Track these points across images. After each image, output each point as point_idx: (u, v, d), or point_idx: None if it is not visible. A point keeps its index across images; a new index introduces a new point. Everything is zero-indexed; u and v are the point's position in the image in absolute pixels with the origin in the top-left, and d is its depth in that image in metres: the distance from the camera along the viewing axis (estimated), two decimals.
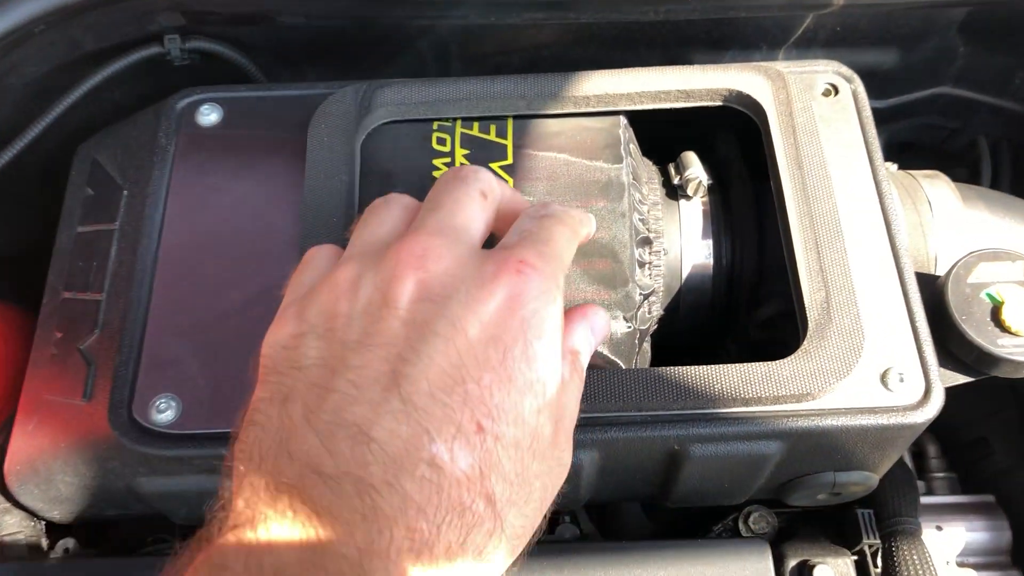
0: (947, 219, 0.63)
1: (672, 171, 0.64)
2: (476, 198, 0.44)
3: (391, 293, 0.38)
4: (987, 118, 0.83)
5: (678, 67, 0.63)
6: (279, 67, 0.76)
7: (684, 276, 0.63)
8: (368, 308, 0.39)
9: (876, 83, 0.77)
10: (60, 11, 0.62)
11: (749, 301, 0.63)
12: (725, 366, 0.52)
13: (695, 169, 0.63)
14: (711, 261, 0.63)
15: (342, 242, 0.53)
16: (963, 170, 0.94)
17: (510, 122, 0.62)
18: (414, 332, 0.37)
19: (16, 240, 0.76)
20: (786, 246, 0.56)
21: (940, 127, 0.85)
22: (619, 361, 0.56)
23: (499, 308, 0.38)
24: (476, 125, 0.62)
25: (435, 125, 0.62)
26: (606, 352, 0.56)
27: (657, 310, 0.62)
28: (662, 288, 0.62)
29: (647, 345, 0.61)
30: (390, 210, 0.46)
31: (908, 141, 0.88)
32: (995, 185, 0.88)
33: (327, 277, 0.41)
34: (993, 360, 0.54)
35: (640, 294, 0.58)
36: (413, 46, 0.72)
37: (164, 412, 0.53)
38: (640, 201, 0.61)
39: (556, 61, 0.74)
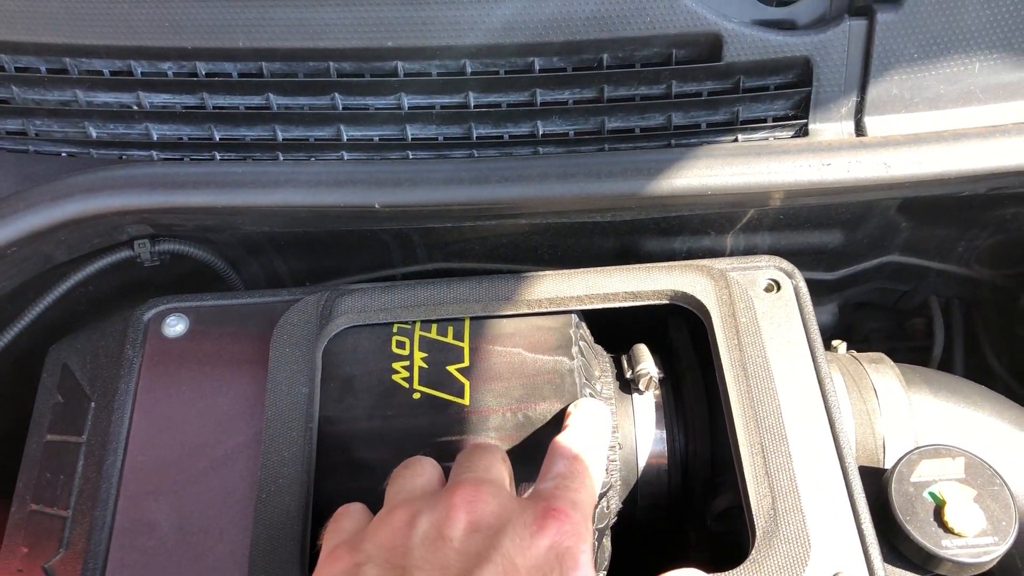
0: (892, 406, 0.65)
1: (625, 364, 0.66)
2: (501, 461, 0.53)
3: (446, 528, 0.45)
4: (936, 281, 0.86)
5: (624, 268, 0.65)
6: (248, 258, 0.78)
7: (640, 469, 0.64)
8: (424, 541, 0.45)
9: (825, 259, 0.80)
10: (32, 236, 0.64)
11: (704, 492, 0.65)
12: None
13: (646, 364, 0.65)
14: (666, 454, 0.65)
15: (299, 459, 0.57)
16: (922, 320, 0.98)
17: (467, 324, 0.65)
18: (467, 561, 0.44)
19: None
20: (734, 451, 0.58)
21: (892, 289, 0.88)
22: None
23: (541, 544, 0.45)
24: (434, 327, 0.65)
25: (395, 328, 0.65)
26: None
27: (616, 504, 0.63)
28: (619, 482, 0.63)
29: (607, 540, 0.62)
30: (423, 467, 0.53)
31: (863, 302, 0.91)
32: (949, 341, 0.91)
33: (383, 519, 0.48)
34: (938, 561, 0.55)
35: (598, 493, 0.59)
36: (378, 238, 0.75)
37: None
38: (593, 397, 0.63)
39: (515, 247, 0.77)
